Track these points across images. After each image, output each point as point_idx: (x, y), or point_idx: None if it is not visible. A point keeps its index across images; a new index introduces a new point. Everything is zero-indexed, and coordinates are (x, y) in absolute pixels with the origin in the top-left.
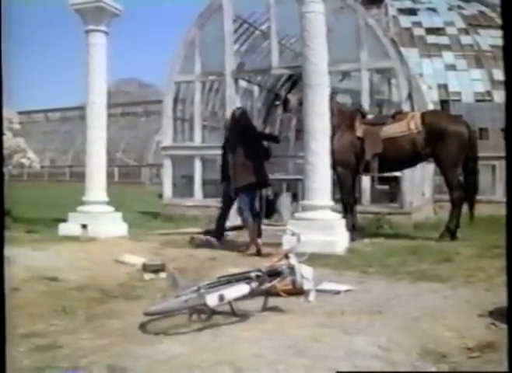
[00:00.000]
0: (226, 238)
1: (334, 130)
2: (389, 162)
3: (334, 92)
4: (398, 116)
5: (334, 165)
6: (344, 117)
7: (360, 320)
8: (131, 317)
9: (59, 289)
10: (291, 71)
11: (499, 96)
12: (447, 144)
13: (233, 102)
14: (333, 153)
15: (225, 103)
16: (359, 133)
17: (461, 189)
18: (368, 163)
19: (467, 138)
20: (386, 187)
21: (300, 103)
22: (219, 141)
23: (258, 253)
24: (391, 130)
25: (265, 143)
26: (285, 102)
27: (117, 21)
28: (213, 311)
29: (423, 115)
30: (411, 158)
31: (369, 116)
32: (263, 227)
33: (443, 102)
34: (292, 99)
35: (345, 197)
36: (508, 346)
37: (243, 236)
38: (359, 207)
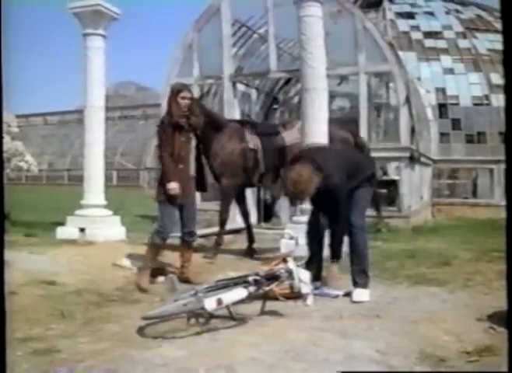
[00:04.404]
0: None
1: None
2: None
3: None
4: (287, 124)
5: (220, 176)
6: (231, 129)
7: (358, 324)
8: (129, 321)
9: (57, 293)
10: (289, 74)
11: (497, 100)
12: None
13: (231, 105)
14: (220, 165)
15: (223, 107)
16: (252, 145)
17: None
18: (262, 175)
19: (352, 143)
20: (384, 191)
21: None
22: None
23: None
24: (285, 138)
25: None
26: None
27: (115, 24)
28: (211, 315)
29: None
30: None
31: (258, 127)
32: (262, 231)
33: (441, 106)
34: None
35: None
36: (508, 350)
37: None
38: None
